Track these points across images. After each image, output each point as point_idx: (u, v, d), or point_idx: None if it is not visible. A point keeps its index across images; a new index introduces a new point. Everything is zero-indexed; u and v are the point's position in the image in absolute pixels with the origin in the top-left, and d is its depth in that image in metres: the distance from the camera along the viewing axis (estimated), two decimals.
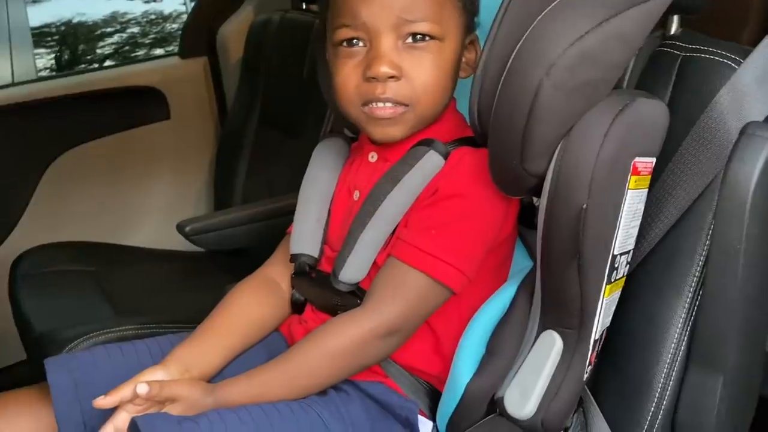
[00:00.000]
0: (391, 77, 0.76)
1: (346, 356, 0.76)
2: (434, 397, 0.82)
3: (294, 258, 0.88)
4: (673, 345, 0.76)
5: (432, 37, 0.77)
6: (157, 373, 0.76)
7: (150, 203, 1.88)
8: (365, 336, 0.75)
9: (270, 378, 0.76)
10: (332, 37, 0.79)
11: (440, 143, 0.79)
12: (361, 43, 0.78)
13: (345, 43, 0.78)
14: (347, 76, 0.78)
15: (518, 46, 0.65)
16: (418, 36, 0.76)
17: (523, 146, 0.67)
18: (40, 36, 2.85)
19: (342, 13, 0.77)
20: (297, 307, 0.90)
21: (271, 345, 0.88)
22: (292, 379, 0.76)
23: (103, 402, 0.71)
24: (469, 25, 0.82)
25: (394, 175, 0.79)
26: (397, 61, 0.76)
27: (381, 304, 0.76)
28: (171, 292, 1.50)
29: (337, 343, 0.76)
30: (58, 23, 2.98)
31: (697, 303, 0.75)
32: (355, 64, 0.78)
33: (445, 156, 0.78)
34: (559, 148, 0.66)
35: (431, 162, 0.78)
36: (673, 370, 0.76)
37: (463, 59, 0.82)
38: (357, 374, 0.79)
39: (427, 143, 0.79)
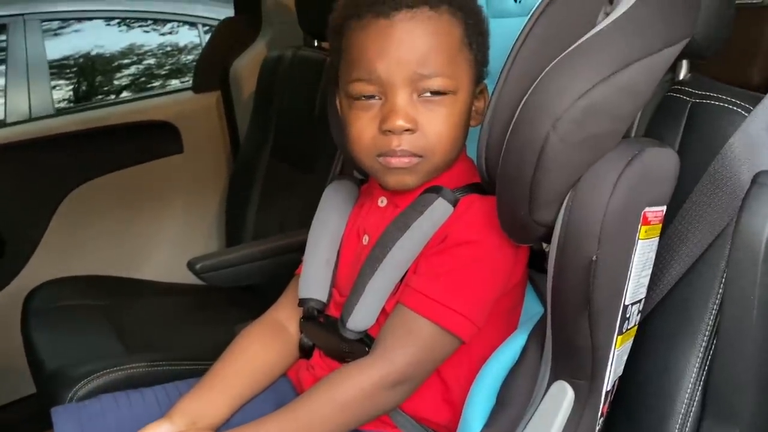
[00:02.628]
0: (407, 130, 0.76)
1: (355, 406, 0.75)
2: None
3: (302, 302, 0.87)
4: (687, 396, 0.74)
5: (446, 91, 0.77)
6: (161, 427, 0.75)
7: (163, 236, 1.90)
8: (374, 385, 0.74)
9: (277, 428, 0.75)
10: (347, 89, 0.80)
11: (448, 191, 0.79)
12: (376, 97, 0.78)
13: (361, 97, 0.78)
14: (362, 129, 0.78)
15: (525, 98, 0.65)
16: (434, 91, 0.76)
17: (531, 197, 0.66)
18: (60, 68, 2.91)
19: (357, 67, 0.77)
20: (305, 351, 0.89)
21: (279, 391, 0.87)
22: (300, 429, 0.75)
23: None
24: (480, 75, 0.82)
25: (404, 221, 0.79)
26: (412, 114, 0.76)
27: (389, 353, 0.75)
28: (182, 328, 1.50)
29: (346, 393, 0.75)
30: (77, 55, 3.04)
31: (711, 353, 0.74)
32: (370, 117, 0.78)
33: (454, 203, 0.78)
34: (567, 198, 0.66)
35: (440, 209, 0.78)
36: (687, 422, 0.74)
37: (473, 108, 0.82)
38: (365, 424, 0.78)
39: (436, 190, 0.79)
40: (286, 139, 1.68)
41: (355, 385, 0.75)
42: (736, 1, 0.80)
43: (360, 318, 0.79)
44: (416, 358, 0.75)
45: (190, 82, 2.07)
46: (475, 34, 0.79)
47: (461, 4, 0.78)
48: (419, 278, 0.77)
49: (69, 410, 0.81)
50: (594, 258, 0.65)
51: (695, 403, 0.74)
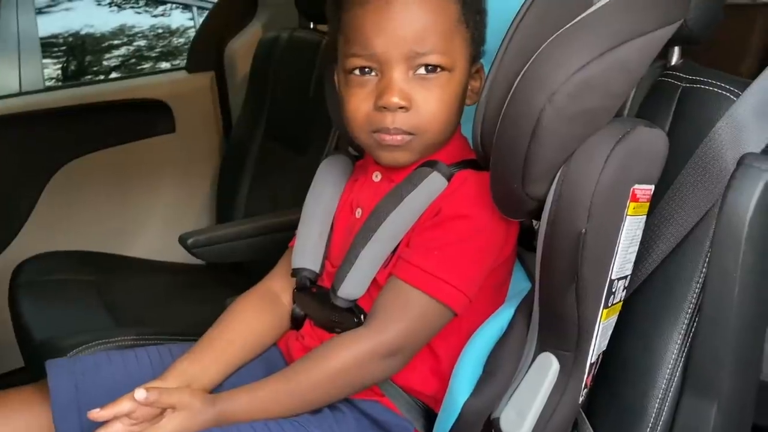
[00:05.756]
0: (401, 107, 0.77)
1: (348, 375, 0.76)
2: (430, 417, 0.82)
3: (295, 272, 0.89)
4: (668, 370, 0.77)
5: (442, 69, 0.78)
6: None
7: (153, 215, 1.89)
8: (367, 355, 0.76)
9: (272, 392, 0.76)
10: (344, 64, 0.80)
11: (444, 165, 0.80)
12: (373, 73, 0.79)
13: (357, 71, 0.79)
14: (358, 105, 0.79)
15: (522, 72, 0.66)
16: (429, 67, 0.77)
17: (525, 170, 0.68)
18: (49, 46, 2.88)
19: (354, 42, 0.78)
20: (296, 322, 0.90)
21: (268, 359, 0.88)
22: (294, 394, 0.77)
23: (98, 415, 0.72)
24: (476, 55, 0.83)
25: (398, 193, 0.80)
26: (407, 91, 0.77)
27: (383, 324, 0.77)
28: (171, 304, 1.51)
29: (339, 362, 0.76)
30: (67, 34, 3.01)
31: (693, 329, 0.76)
32: (366, 94, 0.79)
33: (448, 178, 0.80)
34: (559, 172, 0.68)
35: (434, 183, 0.79)
36: (668, 396, 0.77)
37: (469, 87, 0.83)
38: (355, 393, 0.79)
39: (431, 164, 0.81)
40: (280, 121, 1.69)
41: (348, 354, 0.76)
42: (727, 1, 0.82)
43: (351, 286, 0.81)
44: (409, 329, 0.77)
45: (180, 64, 2.07)
46: (472, 12, 0.80)
47: None
48: (413, 251, 0.79)
49: (63, 364, 0.82)
50: (583, 231, 0.66)
51: (676, 379, 0.77)
